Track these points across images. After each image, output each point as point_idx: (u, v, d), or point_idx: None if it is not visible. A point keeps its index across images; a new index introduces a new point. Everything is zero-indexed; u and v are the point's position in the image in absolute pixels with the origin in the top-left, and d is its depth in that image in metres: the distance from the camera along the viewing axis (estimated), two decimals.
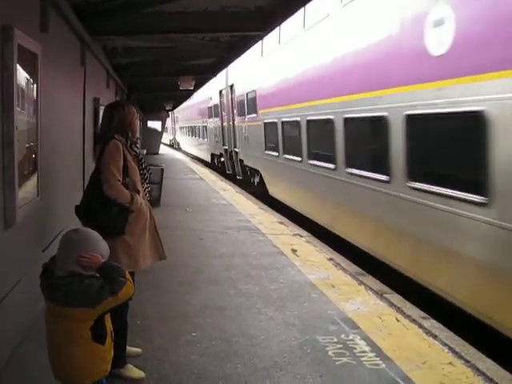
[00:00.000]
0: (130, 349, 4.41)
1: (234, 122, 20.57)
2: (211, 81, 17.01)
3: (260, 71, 16.11)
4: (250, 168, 18.40)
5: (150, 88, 17.70)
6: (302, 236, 9.90)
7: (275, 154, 14.15)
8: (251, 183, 18.53)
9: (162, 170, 13.22)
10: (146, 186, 4.61)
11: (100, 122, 4.66)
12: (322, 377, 4.26)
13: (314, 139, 11.32)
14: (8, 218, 3.93)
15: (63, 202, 5.98)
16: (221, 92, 23.22)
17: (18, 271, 4.43)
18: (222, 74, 16.87)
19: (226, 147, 22.50)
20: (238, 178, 20.56)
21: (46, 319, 2.93)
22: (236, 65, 15.29)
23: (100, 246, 2.95)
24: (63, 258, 2.87)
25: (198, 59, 11.33)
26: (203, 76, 13.71)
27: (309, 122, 11.36)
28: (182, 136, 47.37)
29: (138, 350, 4.59)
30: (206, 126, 29.15)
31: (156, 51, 10.08)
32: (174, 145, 55.19)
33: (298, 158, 12.13)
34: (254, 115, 16.58)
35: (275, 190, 15.20)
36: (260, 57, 15.93)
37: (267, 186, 15.90)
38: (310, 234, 10.12)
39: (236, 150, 20.36)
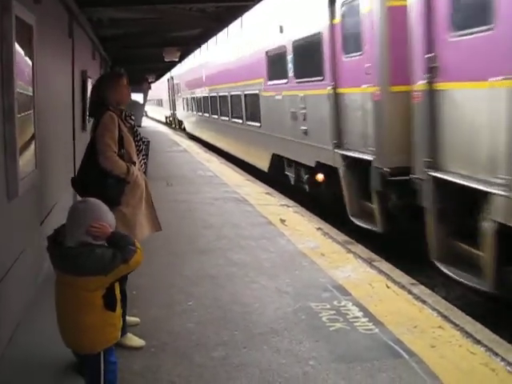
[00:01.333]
0: (128, 318, 4.48)
1: None
2: None
3: None
4: None
5: (134, 60, 17.51)
6: (289, 206, 9.99)
7: None
8: None
9: (148, 142, 13.12)
10: (141, 157, 4.66)
11: (90, 93, 4.65)
12: (319, 341, 4.37)
13: None
14: (11, 190, 3.96)
15: (57, 174, 6.00)
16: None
17: (20, 244, 4.49)
18: None
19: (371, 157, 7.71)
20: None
21: (57, 289, 2.99)
22: None
23: (108, 216, 3.01)
24: (73, 228, 2.92)
25: (183, 30, 11.25)
26: (188, 47, 13.62)
27: None
28: (188, 113, 29.51)
29: (137, 319, 4.67)
30: (258, 95, 13.83)
31: (141, 23, 9.99)
32: (172, 124, 39.21)
33: None
34: None
35: None
36: None
37: None
38: (296, 205, 10.22)
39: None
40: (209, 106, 21.80)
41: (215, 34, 11.49)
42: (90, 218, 2.91)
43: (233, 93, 16.73)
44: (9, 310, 4.16)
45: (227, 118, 17.92)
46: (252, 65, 14.19)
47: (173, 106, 37.76)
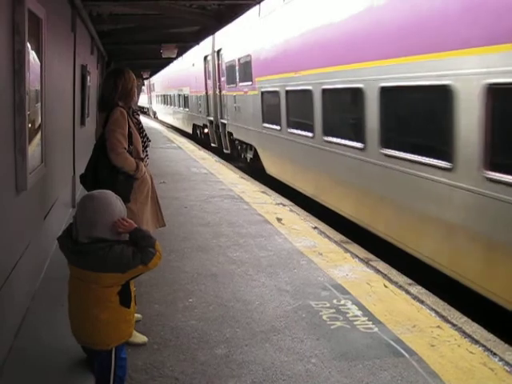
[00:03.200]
0: None
1: None
2: None
3: None
4: None
5: (130, 56, 17.40)
6: (285, 205, 10.03)
7: None
8: None
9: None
10: (145, 153, 4.68)
11: (101, 88, 4.66)
12: (319, 340, 4.41)
13: None
14: (19, 184, 3.97)
15: (59, 168, 6.01)
16: None
17: (26, 238, 4.51)
18: None
19: None
20: None
21: (72, 284, 2.99)
22: None
23: (117, 209, 3.02)
24: (85, 225, 2.90)
25: (182, 27, 11.25)
26: (186, 44, 13.61)
27: None
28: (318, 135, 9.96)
29: (139, 315, 4.68)
30: None
31: (141, 18, 9.98)
32: (214, 142, 20.77)
33: None
34: None
35: None
36: None
37: None
38: (292, 204, 10.26)
39: None
40: None
41: (214, 31, 11.50)
42: (104, 216, 2.91)
43: None
44: (17, 300, 4.18)
45: None
46: None
47: (215, 108, 19.40)
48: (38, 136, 4.71)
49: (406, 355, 4.19)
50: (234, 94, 16.20)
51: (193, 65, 23.16)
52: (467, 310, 5.29)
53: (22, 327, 4.27)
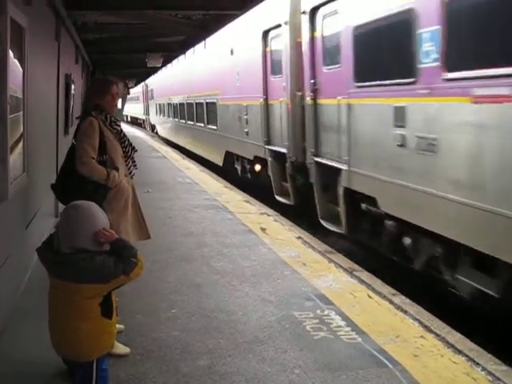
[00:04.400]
0: None
1: None
2: None
3: None
4: None
5: (115, 64, 17.37)
6: (269, 215, 10.02)
7: None
8: None
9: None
10: (130, 163, 4.64)
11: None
12: (303, 350, 4.40)
13: None
14: (0, 194, 3.93)
15: (42, 177, 5.96)
16: None
17: (6, 248, 4.46)
18: None
19: None
20: None
21: (52, 295, 2.96)
22: None
23: (100, 219, 3.01)
24: (67, 235, 2.88)
25: (167, 36, 11.27)
26: (171, 53, 13.61)
27: None
28: None
29: (121, 326, 4.63)
30: None
31: (126, 28, 9.98)
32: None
33: None
34: None
35: None
36: None
37: None
38: (277, 213, 10.26)
39: None
40: None
41: (199, 41, 11.53)
42: (93, 224, 2.91)
43: None
44: None
45: None
46: None
47: (297, 130, 9.93)
48: (20, 145, 4.68)
49: (390, 365, 4.18)
50: (395, 102, 6.56)
51: (231, 53, 13.65)
52: (450, 319, 5.30)
53: (1, 339, 4.21)
